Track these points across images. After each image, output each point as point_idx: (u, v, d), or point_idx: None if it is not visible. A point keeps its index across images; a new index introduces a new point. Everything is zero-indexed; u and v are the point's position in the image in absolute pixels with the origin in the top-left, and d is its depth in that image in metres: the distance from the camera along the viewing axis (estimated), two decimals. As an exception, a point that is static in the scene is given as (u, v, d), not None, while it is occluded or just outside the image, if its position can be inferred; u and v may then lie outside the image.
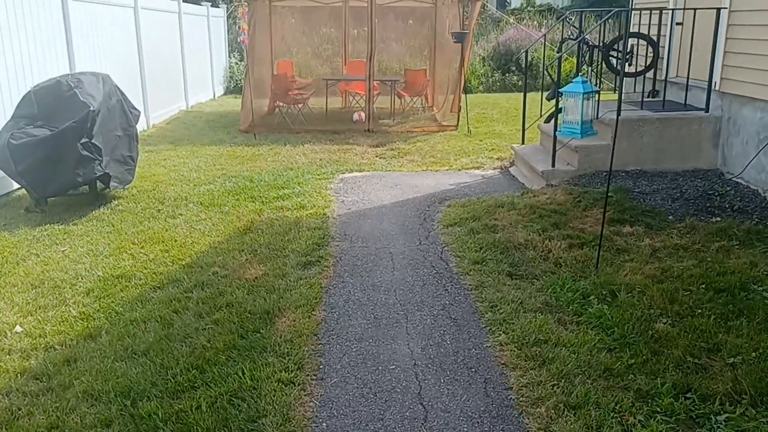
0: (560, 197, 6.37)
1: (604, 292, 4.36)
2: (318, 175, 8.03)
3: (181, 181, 7.87)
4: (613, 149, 4.95)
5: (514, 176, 7.88)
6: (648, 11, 7.95)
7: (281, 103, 12.10)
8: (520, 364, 3.51)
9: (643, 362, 3.48)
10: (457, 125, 11.25)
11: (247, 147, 9.89)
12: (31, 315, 4.34)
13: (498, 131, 11.11)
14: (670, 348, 3.59)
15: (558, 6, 24.62)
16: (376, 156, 9.27)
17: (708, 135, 6.83)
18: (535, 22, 20.66)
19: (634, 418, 3.04)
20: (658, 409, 3.10)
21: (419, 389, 3.37)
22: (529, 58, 12.44)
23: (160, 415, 3.16)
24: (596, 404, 3.14)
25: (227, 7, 19.03)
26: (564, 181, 6.80)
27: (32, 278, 4.94)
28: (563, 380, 3.33)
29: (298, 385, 3.41)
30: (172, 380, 3.46)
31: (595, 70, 8.13)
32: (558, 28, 14.61)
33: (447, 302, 4.38)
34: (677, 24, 7.66)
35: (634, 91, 7.85)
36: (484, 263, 4.95)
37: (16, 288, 4.78)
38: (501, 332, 3.88)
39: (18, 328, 4.14)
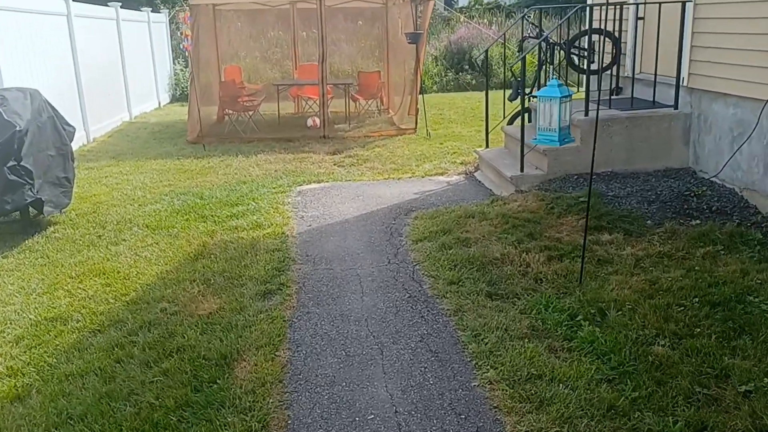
0: (532, 204, 6.04)
1: (592, 311, 4.03)
2: (274, 188, 7.52)
3: (125, 200, 7.26)
4: (593, 151, 4.61)
5: (480, 182, 7.53)
6: (612, 7, 7.69)
7: (231, 111, 11.51)
8: (515, 407, 3.11)
9: (648, 395, 3.14)
10: (416, 128, 10.87)
11: (196, 159, 9.29)
12: (-51, 373, 3.75)
13: (458, 133, 10.77)
14: (675, 377, 3.27)
15: (506, 3, 24.57)
16: (334, 164, 8.81)
17: (678, 133, 6.60)
18: (485, 20, 20.53)
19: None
20: (675, 454, 2.76)
21: (404, 444, 2.95)
22: (483, 57, 12.15)
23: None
24: (605, 452, 2.79)
25: (169, 12, 18.21)
26: (534, 187, 6.48)
27: (-49, 326, 4.33)
28: (566, 425, 2.95)
29: (264, 448, 2.95)
30: (115, 452, 2.96)
31: (556, 69, 7.85)
32: (511, 25, 14.40)
33: (425, 332, 3.97)
34: (639, 18, 7.45)
35: (597, 89, 7.59)
36: (460, 283, 4.56)
37: (-69, 340, 4.17)
38: (489, 367, 3.48)
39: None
